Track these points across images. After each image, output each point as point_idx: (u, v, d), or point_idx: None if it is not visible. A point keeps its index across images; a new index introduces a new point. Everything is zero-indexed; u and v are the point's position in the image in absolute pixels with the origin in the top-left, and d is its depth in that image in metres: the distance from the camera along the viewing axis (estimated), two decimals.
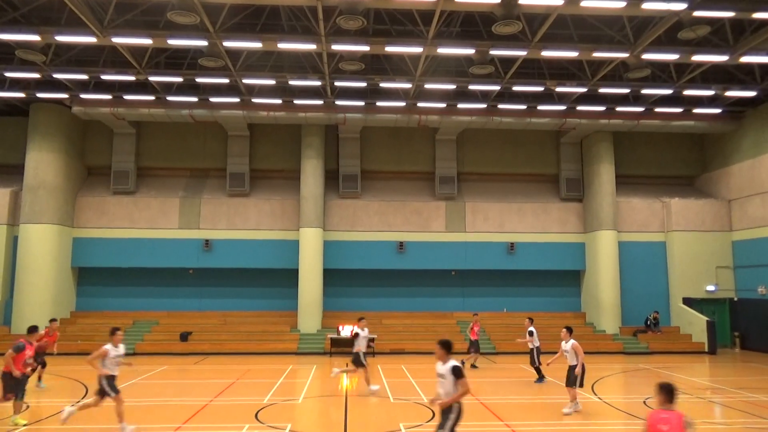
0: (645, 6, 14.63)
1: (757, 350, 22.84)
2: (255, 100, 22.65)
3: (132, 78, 20.34)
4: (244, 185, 25.49)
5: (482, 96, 22.88)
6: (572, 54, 17.90)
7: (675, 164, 27.64)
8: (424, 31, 16.83)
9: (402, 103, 22.94)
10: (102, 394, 9.95)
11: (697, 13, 15.02)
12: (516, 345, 22.84)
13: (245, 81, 20.68)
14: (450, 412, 7.04)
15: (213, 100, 22.55)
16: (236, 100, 22.61)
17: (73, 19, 16.01)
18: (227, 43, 17.07)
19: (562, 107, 23.33)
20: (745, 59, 18.18)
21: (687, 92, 21.74)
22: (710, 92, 21.83)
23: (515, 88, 21.53)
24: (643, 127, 24.40)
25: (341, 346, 21.99)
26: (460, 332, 24.17)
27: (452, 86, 21.31)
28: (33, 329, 11.44)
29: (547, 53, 17.80)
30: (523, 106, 23.41)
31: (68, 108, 23.13)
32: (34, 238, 22.98)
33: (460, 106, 23.37)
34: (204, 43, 17.04)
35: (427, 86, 21.25)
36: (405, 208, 25.85)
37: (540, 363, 15.86)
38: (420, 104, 23.05)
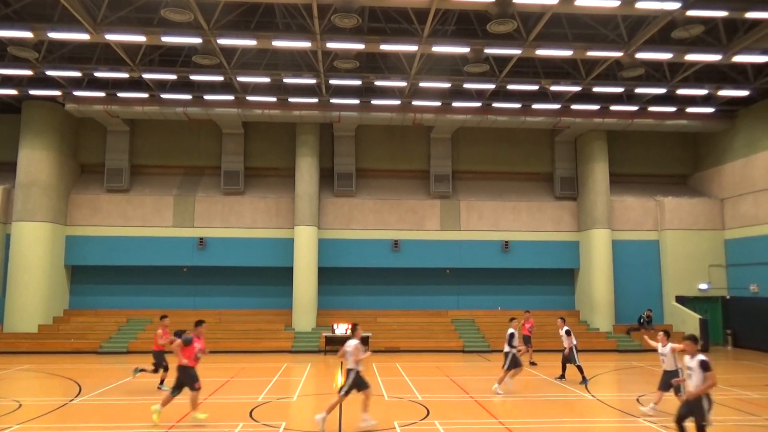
0: (639, 5, 14.68)
1: (749, 348, 22.99)
2: (249, 98, 22.60)
3: (126, 75, 20.25)
4: (239, 183, 25.43)
5: (477, 94, 22.90)
6: (567, 53, 17.95)
7: (668, 163, 27.78)
8: (419, 29, 16.83)
9: (397, 102, 22.94)
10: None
11: (691, 13, 15.09)
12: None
13: (240, 79, 20.63)
14: (701, 401, 7.88)
15: (207, 97, 22.49)
16: (231, 97, 22.56)
17: (66, 16, 15.92)
18: (221, 41, 17.02)
19: (557, 106, 23.39)
20: (738, 59, 18.28)
21: (680, 91, 21.85)
22: (703, 91, 21.93)
23: (510, 87, 21.58)
24: (636, 126, 24.51)
25: (336, 345, 21.97)
26: (454, 330, 24.25)
27: (447, 85, 21.33)
28: (199, 323, 11.53)
29: (541, 52, 17.84)
30: (518, 105, 23.45)
31: (61, 105, 23.00)
32: (26, 236, 22.86)
33: (455, 104, 23.40)
34: (198, 40, 16.99)
35: (422, 84, 21.26)
36: (400, 206, 25.87)
37: (579, 362, 15.28)
38: (415, 102, 23.06)
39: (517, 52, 17.87)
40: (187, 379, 10.62)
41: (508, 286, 26.53)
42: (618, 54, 17.93)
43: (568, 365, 15.63)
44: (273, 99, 22.80)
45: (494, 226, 26.06)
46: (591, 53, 18.03)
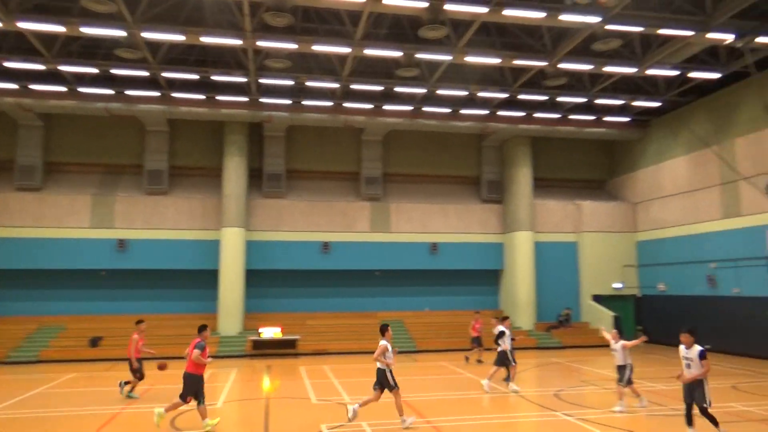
0: (562, 17, 15.39)
1: (658, 343, 24.52)
2: (175, 95, 21.82)
3: (41, 67, 19.03)
4: (163, 183, 24.48)
5: (408, 98, 23.21)
6: (495, 61, 18.54)
7: (587, 169, 29.27)
8: (352, 31, 16.86)
9: (329, 103, 22.87)
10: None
11: (610, 27, 15.98)
12: (436, 343, 23.41)
13: (165, 74, 19.89)
14: (703, 386, 9.12)
15: (130, 93, 21.51)
16: (156, 94, 21.69)
17: None
18: (147, 34, 16.35)
19: (485, 112, 24.09)
20: (651, 72, 19.56)
21: (599, 101, 23.11)
22: (620, 102, 23.32)
23: (440, 92, 22.02)
24: (559, 133, 25.68)
25: (263, 348, 21.63)
26: None
27: (379, 87, 21.49)
28: (203, 328, 10.81)
29: (471, 59, 18.34)
30: (448, 110, 23.97)
31: None
32: None
33: (387, 107, 23.61)
34: (122, 33, 16.23)
35: (354, 87, 21.32)
36: (330, 208, 25.77)
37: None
38: (347, 104, 23.07)
39: (447, 58, 18.27)
40: (196, 387, 10.23)
41: (436, 287, 27.03)
42: (543, 63, 18.70)
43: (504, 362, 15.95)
44: (201, 96, 22.13)
45: (423, 228, 26.47)
46: (517, 62, 18.72)
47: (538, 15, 15.27)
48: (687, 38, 16.82)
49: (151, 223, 24.18)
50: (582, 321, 26.44)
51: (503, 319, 15.14)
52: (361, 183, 26.39)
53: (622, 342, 12.12)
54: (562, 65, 18.83)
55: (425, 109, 23.81)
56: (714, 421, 9.14)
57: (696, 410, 9.25)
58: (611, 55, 18.91)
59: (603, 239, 26.80)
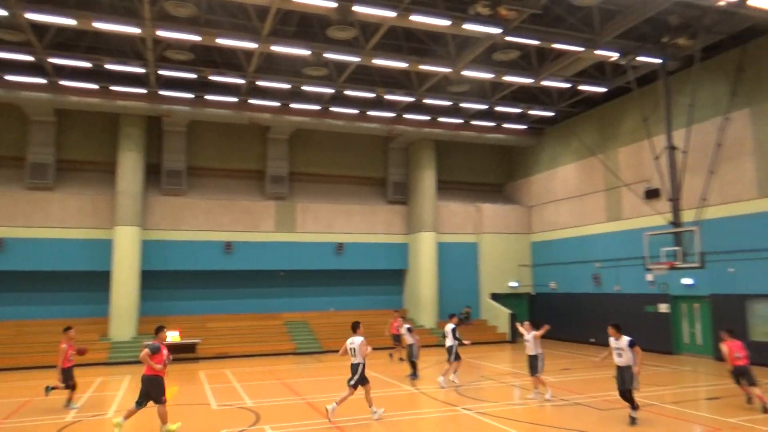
0: (466, 26, 15.97)
1: (550, 338, 26.05)
2: (64, 83, 20.25)
3: None
4: (48, 177, 22.64)
5: (316, 98, 23.07)
6: (402, 64, 18.90)
7: (487, 173, 30.60)
8: (259, 26, 16.50)
9: (234, 99, 22.23)
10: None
11: (509, 39, 16.81)
12: (342, 343, 23.40)
13: (53, 60, 18.41)
14: (630, 370, 10.25)
15: (11, 78, 19.68)
16: (42, 81, 20.01)
17: None
18: (31, 16, 15.04)
19: (391, 114, 24.48)
20: (546, 83, 20.79)
21: (499, 108, 24.23)
22: (517, 110, 24.60)
23: (348, 93, 22.10)
24: (461, 138, 26.64)
25: None
26: (287, 332, 24.08)
27: (286, 85, 21.18)
28: (160, 329, 10.65)
29: (378, 61, 18.56)
30: (355, 111, 24.10)
31: None
32: None
33: (294, 106, 23.33)
34: (2, 12, 14.81)
35: (261, 83, 20.87)
36: (234, 206, 25.05)
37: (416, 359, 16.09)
38: (252, 101, 22.54)
39: (356, 59, 18.37)
40: (156, 390, 9.84)
41: (341, 287, 27.08)
42: (447, 70, 19.31)
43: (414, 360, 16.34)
44: (93, 86, 20.70)
45: (329, 228, 26.42)
46: (423, 67, 19.20)
47: (443, 23, 15.75)
48: (578, 54, 18.07)
49: (32, 220, 22.25)
50: (481, 318, 27.56)
51: (451, 316, 16.07)
52: (266, 182, 25.87)
53: (534, 333, 12.96)
54: (465, 72, 19.54)
55: (333, 109, 23.79)
56: (633, 404, 10.36)
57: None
58: (510, 65, 19.91)
59: (501, 240, 28.11)
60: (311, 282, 26.57)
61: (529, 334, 13.09)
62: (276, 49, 17.46)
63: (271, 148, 26.13)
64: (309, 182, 27.44)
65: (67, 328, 13.34)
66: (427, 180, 27.33)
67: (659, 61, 18.68)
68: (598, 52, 17.83)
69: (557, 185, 26.89)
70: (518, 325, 14.18)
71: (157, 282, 23.91)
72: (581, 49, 17.60)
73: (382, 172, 28.57)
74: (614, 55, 18.29)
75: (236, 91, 22.06)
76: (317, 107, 23.51)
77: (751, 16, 15.67)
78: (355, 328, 11.81)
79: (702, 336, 19.61)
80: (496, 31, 16.20)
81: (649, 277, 20.88)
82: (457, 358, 15.25)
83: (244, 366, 19.33)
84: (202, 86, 21.73)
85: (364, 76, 21.57)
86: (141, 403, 9.86)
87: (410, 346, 16.26)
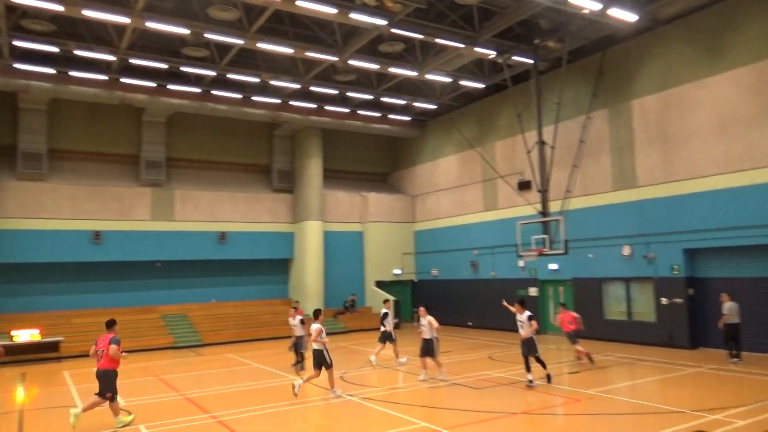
0: (352, 15, 15.99)
1: None
2: None
3: None
4: None
5: (196, 80, 22.02)
6: (288, 50, 18.53)
7: (373, 162, 31.04)
8: (132, 0, 15.36)
9: (103, 77, 20.58)
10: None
11: (395, 31, 17.08)
12: (223, 335, 22.77)
13: None
14: (534, 341, 12.23)
15: None
16: None
17: None
18: None
19: (277, 101, 23.98)
20: (429, 76, 21.42)
21: (384, 99, 24.63)
22: (402, 102, 25.15)
23: (231, 76, 21.31)
24: (348, 127, 26.75)
25: (16, 354, 18.65)
26: (164, 326, 22.92)
27: (163, 65, 19.97)
28: (113, 322, 11.14)
29: (263, 45, 18.05)
30: (239, 95, 23.31)
31: None
32: None
33: (171, 87, 22.08)
34: None
35: (135, 61, 19.49)
36: (103, 193, 23.28)
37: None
38: (125, 80, 21.02)
39: (239, 41, 17.72)
40: (109, 384, 9.96)
41: (224, 277, 26.23)
42: (334, 58, 19.24)
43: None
44: None
45: (211, 216, 25.43)
46: (310, 54, 18.98)
47: (329, 10, 15.64)
48: (459, 50, 18.81)
49: None
50: (366, 306, 28.01)
51: (385, 301, 16.99)
52: (141, 167, 24.28)
53: (429, 318, 13.55)
54: (352, 62, 19.60)
55: (215, 92, 22.83)
56: (544, 365, 12.44)
57: (532, 360, 12.35)
58: (396, 57, 20.28)
59: (385, 229, 28.69)
60: (191, 273, 25.45)
61: (423, 319, 13.68)
62: (151, 25, 16.37)
63: (146, 131, 24.53)
64: (189, 168, 26.18)
65: None
66: (314, 168, 27.16)
67: (531, 61, 19.95)
68: (477, 49, 18.68)
69: (439, 176, 27.90)
70: (421, 310, 14.46)
71: (11, 276, 21.68)
72: (462, 45, 18.34)
73: (267, 160, 27.95)
74: (492, 53, 19.27)
75: (106, 69, 20.43)
76: (197, 90, 22.43)
77: (610, 24, 17.20)
78: (316, 315, 12.62)
79: None
80: (381, 22, 16.38)
81: (521, 263, 22.39)
82: (390, 339, 16.18)
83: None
84: (66, 61, 19.86)
85: (248, 60, 20.90)
86: (103, 395, 9.92)
87: (299, 337, 16.11)
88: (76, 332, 20.89)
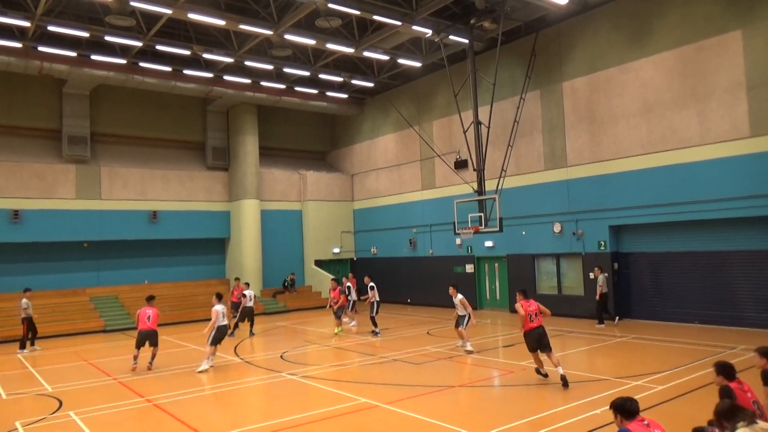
0: None
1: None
2: None
3: None
4: None
5: (121, 51, 20.90)
6: (219, 22, 17.82)
7: (311, 140, 30.66)
8: None
9: (17, 44, 19.17)
10: None
11: (332, 6, 16.76)
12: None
13: None
14: (465, 318, 13.85)
15: None
16: None
17: None
18: None
19: (209, 75, 23.16)
20: (367, 54, 21.20)
21: (322, 76, 24.23)
22: (339, 79, 24.83)
23: (160, 48, 20.36)
24: (284, 104, 26.21)
25: None
26: (94, 309, 22.01)
27: (85, 34, 18.79)
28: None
29: (193, 16, 17.27)
30: (168, 68, 22.34)
31: None
32: None
33: (95, 57, 20.87)
34: None
35: (53, 29, 18.21)
36: (21, 170, 21.87)
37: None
38: (43, 49, 19.67)
39: (166, 11, 16.88)
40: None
41: (157, 258, 25.36)
42: (268, 32, 18.70)
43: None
44: None
45: (141, 195, 24.44)
46: (243, 26, 18.35)
47: None
48: (396, 27, 18.71)
49: None
50: (306, 285, 27.88)
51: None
52: (63, 142, 22.93)
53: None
54: (288, 36, 19.11)
55: (142, 64, 21.76)
56: (462, 336, 13.88)
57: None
58: (333, 33, 19.94)
59: (324, 207, 28.52)
60: (122, 254, 24.45)
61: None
62: None
63: (68, 104, 23.13)
64: (117, 144, 24.96)
65: None
66: (249, 146, 26.52)
67: (467, 41, 20.13)
68: (414, 27, 18.63)
69: (378, 154, 27.91)
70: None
71: None
72: (399, 23, 18.24)
73: (200, 136, 27.04)
74: (428, 32, 19.28)
75: (21, 35, 19.03)
76: (123, 61, 21.29)
77: (543, 6, 17.56)
78: (219, 298, 13.56)
79: (500, 292, 22.12)
80: None
81: (458, 241, 22.87)
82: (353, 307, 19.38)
83: (44, 348, 17.29)
84: None
85: (178, 31, 20.01)
86: None
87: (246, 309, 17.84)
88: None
